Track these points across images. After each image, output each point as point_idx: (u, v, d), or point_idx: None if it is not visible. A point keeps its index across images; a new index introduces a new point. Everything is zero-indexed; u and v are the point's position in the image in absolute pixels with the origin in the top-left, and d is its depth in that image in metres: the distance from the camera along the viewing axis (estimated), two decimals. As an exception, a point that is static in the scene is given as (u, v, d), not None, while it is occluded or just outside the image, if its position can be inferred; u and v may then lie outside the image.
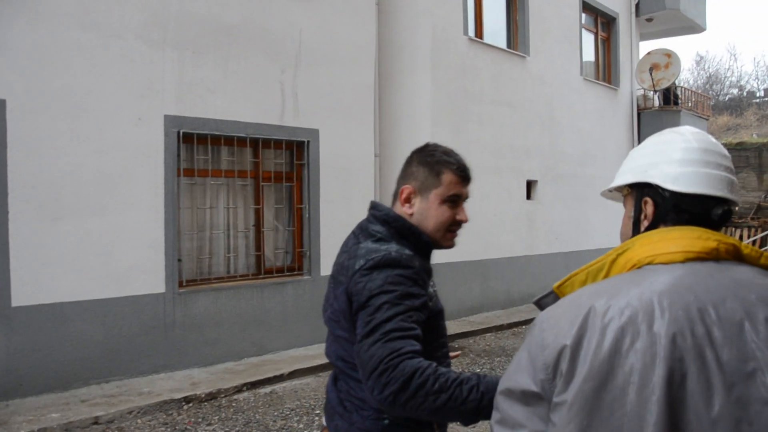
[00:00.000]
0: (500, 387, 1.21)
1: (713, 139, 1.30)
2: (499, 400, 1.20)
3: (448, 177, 1.79)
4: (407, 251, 1.72)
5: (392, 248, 1.71)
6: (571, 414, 1.06)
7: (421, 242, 1.79)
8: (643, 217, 1.28)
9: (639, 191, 1.30)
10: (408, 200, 1.82)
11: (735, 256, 1.17)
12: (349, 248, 1.79)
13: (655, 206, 1.26)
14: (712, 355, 1.03)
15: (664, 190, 1.24)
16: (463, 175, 1.82)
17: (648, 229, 1.26)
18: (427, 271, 1.77)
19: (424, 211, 1.80)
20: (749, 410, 1.01)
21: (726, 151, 1.29)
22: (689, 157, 1.25)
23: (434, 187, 1.79)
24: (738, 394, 1.01)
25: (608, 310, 1.09)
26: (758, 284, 1.11)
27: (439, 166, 1.80)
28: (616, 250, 1.24)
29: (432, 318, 1.76)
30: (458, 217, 1.81)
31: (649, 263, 1.17)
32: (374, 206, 1.86)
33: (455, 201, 1.81)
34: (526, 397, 1.14)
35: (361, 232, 1.81)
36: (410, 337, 1.56)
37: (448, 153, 1.85)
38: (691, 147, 1.26)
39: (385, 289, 1.61)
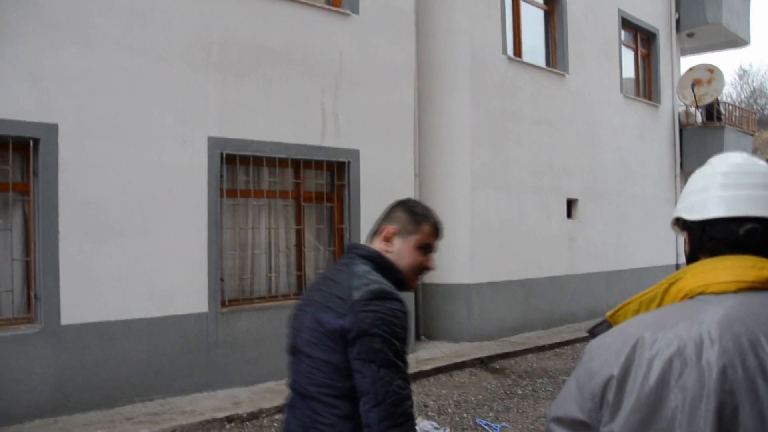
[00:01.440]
0: (551, 414, 1.22)
1: (745, 159, 1.29)
2: (551, 427, 1.20)
3: (426, 228, 2.05)
4: (391, 286, 1.93)
5: (382, 281, 1.91)
6: None
7: (397, 279, 1.99)
8: (687, 249, 1.31)
9: (682, 226, 1.32)
10: (389, 239, 2.04)
11: None
12: (336, 278, 1.99)
13: (690, 237, 1.27)
14: (765, 387, 1.01)
15: (688, 220, 1.27)
16: (438, 231, 2.09)
17: (690, 259, 1.27)
18: None
19: (401, 251, 2.02)
20: None
21: (761, 167, 1.26)
22: (707, 183, 1.26)
23: (413, 234, 2.03)
24: None
25: (656, 341, 1.08)
26: None
27: (420, 218, 2.06)
28: (669, 279, 1.24)
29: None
30: (427, 264, 2.05)
31: (701, 293, 1.15)
32: (355, 246, 2.10)
33: (427, 249, 2.05)
34: (575, 426, 1.14)
35: (345, 266, 2.01)
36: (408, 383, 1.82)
37: (429, 210, 2.13)
38: (711, 173, 1.28)
39: (387, 321, 1.80)
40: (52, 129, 5.55)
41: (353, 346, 1.79)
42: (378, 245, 2.04)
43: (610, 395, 1.08)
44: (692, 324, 1.08)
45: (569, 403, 1.17)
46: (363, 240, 7.36)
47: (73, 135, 5.66)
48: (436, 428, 5.58)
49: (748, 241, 1.17)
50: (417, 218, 2.05)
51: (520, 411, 6.25)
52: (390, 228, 2.05)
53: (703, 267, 1.19)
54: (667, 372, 1.05)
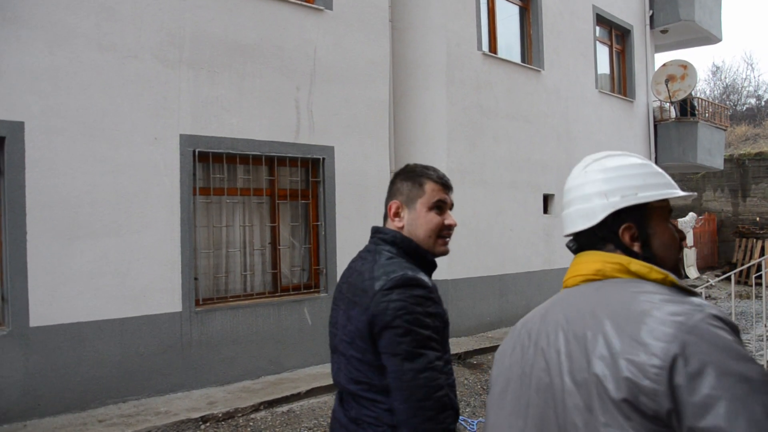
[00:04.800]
0: None
1: (573, 173, 1.51)
2: None
3: (430, 186, 1.94)
4: (415, 269, 1.84)
5: (407, 267, 1.82)
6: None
7: (426, 261, 1.93)
8: None
9: None
10: (397, 214, 1.96)
11: (627, 272, 1.31)
12: (361, 269, 1.90)
13: None
14: (551, 357, 1.28)
15: None
16: (444, 183, 1.97)
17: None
18: (435, 287, 1.89)
19: (413, 221, 1.93)
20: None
21: (572, 180, 1.50)
22: None
23: (419, 197, 1.93)
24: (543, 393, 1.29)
25: (517, 327, 1.47)
26: (614, 301, 1.23)
27: (420, 178, 1.95)
28: None
29: (446, 329, 1.88)
30: (446, 222, 1.94)
31: (564, 286, 1.43)
32: (378, 230, 1.99)
33: (441, 207, 1.94)
34: None
35: (369, 254, 1.93)
36: (443, 370, 1.76)
37: (427, 167, 2.00)
38: None
39: (409, 310, 1.72)
40: (18, 127, 5.44)
41: (380, 339, 1.75)
42: (391, 226, 1.96)
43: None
44: (536, 312, 1.43)
45: None
46: (338, 236, 7.24)
47: (40, 133, 5.55)
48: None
49: (574, 251, 1.46)
50: (416, 180, 1.96)
51: (497, 406, 6.24)
52: (394, 203, 1.97)
53: (571, 264, 1.45)
54: (508, 350, 1.44)
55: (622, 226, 1.36)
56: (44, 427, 5.29)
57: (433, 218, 1.92)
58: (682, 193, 1.37)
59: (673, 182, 1.41)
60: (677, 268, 1.39)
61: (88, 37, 5.86)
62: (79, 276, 5.74)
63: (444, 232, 1.95)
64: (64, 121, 5.70)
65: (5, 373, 5.33)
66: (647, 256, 1.35)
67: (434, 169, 1.99)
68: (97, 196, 5.87)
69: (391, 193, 2.00)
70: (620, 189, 1.37)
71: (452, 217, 1.98)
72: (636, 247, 1.35)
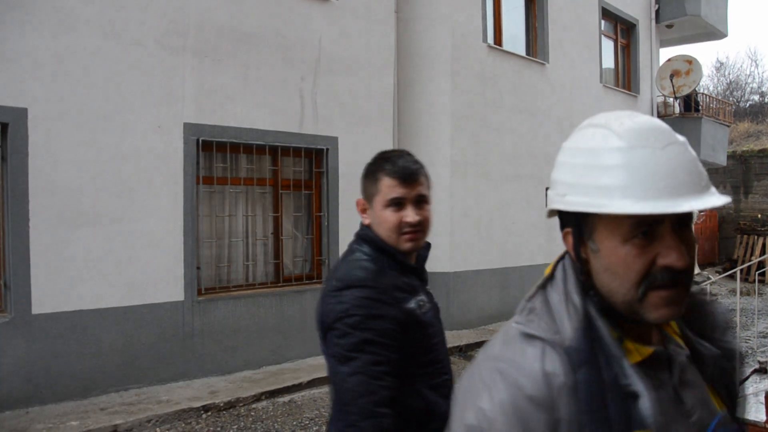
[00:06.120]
0: None
1: (576, 130, 1.09)
2: None
3: (385, 182, 1.80)
4: (374, 268, 1.77)
5: (363, 267, 1.76)
6: None
7: (387, 251, 1.82)
8: None
9: None
10: (364, 211, 1.88)
11: None
12: (335, 266, 1.88)
13: None
14: None
15: None
16: (402, 176, 1.80)
17: None
18: (400, 287, 1.79)
19: (374, 219, 1.83)
20: None
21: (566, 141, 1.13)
22: None
23: (376, 194, 1.82)
24: None
25: None
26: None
27: (376, 173, 1.83)
28: None
29: (415, 329, 1.78)
30: (406, 219, 1.79)
31: None
32: (360, 228, 1.91)
33: (399, 204, 1.80)
34: None
35: (348, 252, 1.88)
36: (382, 375, 1.63)
37: (387, 158, 1.86)
38: None
39: (350, 312, 1.66)
40: (22, 113, 5.41)
41: (324, 339, 1.75)
42: (366, 223, 1.89)
43: None
44: None
45: None
46: (341, 227, 7.23)
47: (43, 119, 5.52)
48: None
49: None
50: (372, 176, 1.84)
51: (498, 399, 6.25)
52: (360, 200, 1.90)
53: None
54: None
55: (564, 230, 1.05)
56: (46, 415, 5.29)
57: (389, 217, 1.79)
58: (627, 210, 0.89)
59: (653, 186, 0.90)
60: (632, 309, 0.96)
61: (92, 23, 5.81)
62: (81, 264, 5.72)
63: (405, 229, 1.80)
64: (68, 107, 5.66)
65: (7, 361, 5.32)
66: (588, 282, 1.01)
67: (394, 160, 1.83)
68: (99, 184, 5.84)
69: (361, 190, 1.93)
70: (557, 183, 1.02)
71: (413, 212, 1.80)
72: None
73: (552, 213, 1.06)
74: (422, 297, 1.85)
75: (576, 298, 1.00)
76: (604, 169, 0.92)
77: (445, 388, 1.85)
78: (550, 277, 1.08)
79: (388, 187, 1.79)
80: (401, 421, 1.73)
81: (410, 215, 1.79)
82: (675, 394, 1.00)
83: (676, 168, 0.91)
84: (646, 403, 0.92)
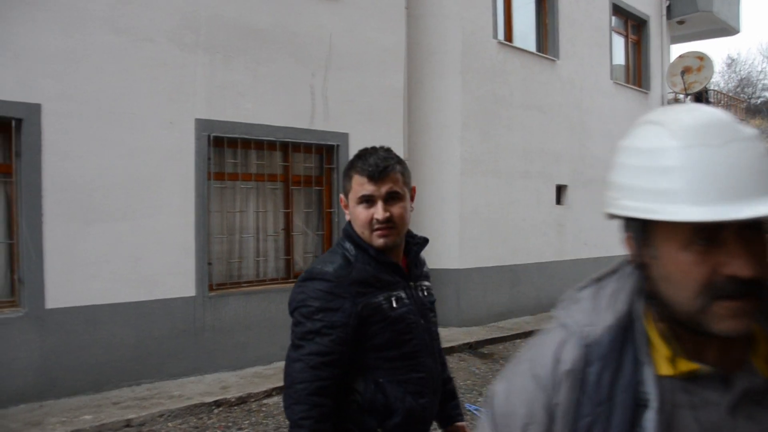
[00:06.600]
0: None
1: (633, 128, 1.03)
2: None
3: (356, 179, 1.87)
4: (342, 263, 1.85)
5: (332, 261, 1.85)
6: None
7: (370, 254, 1.88)
8: None
9: None
10: (346, 208, 1.95)
11: None
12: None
13: None
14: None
15: None
16: (371, 174, 1.84)
17: None
18: (369, 282, 1.84)
19: (351, 215, 1.91)
20: None
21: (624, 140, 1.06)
22: None
23: (350, 191, 1.90)
24: None
25: None
26: None
27: (349, 171, 1.90)
28: None
29: (378, 324, 1.83)
30: (375, 216, 1.84)
31: None
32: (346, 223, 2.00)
33: (369, 200, 1.85)
34: None
35: (335, 244, 1.99)
36: (322, 365, 1.75)
37: (361, 155, 1.91)
38: None
39: (305, 303, 1.80)
40: (35, 109, 5.44)
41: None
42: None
43: None
44: None
45: None
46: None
47: (56, 115, 5.55)
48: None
49: None
50: (347, 173, 1.91)
51: (508, 395, 6.24)
52: (341, 197, 1.98)
53: None
54: None
55: (626, 235, 1.00)
56: (60, 408, 5.33)
57: (360, 213, 1.86)
58: (680, 217, 0.83)
59: (707, 192, 0.83)
60: (695, 320, 0.88)
61: (103, 19, 5.84)
62: (94, 259, 5.76)
63: (376, 225, 1.85)
64: (80, 104, 5.69)
65: (22, 355, 5.36)
66: (650, 289, 0.96)
67: (366, 158, 1.88)
68: (111, 180, 5.87)
69: None
70: (612, 185, 0.96)
71: (381, 210, 1.84)
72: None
73: (611, 215, 1.00)
74: (399, 293, 1.89)
75: (623, 298, 1.01)
76: (657, 171, 0.87)
77: (415, 385, 1.86)
78: (611, 272, 1.08)
79: (359, 184, 1.86)
80: (355, 413, 1.81)
81: (379, 212, 1.84)
82: (726, 419, 0.93)
83: (738, 168, 0.83)
84: (651, 416, 0.91)
